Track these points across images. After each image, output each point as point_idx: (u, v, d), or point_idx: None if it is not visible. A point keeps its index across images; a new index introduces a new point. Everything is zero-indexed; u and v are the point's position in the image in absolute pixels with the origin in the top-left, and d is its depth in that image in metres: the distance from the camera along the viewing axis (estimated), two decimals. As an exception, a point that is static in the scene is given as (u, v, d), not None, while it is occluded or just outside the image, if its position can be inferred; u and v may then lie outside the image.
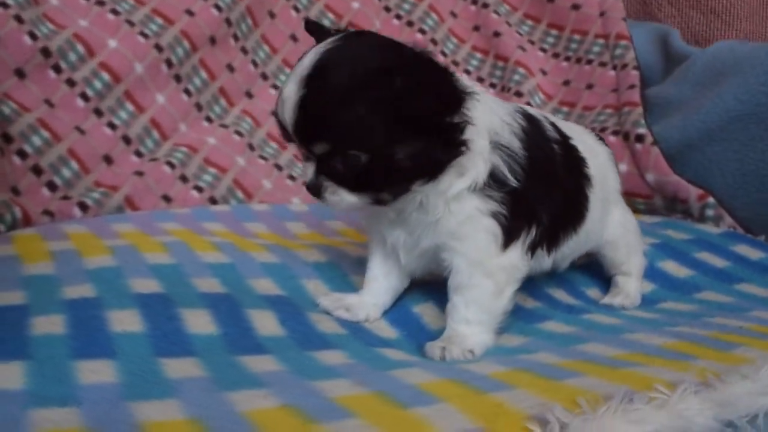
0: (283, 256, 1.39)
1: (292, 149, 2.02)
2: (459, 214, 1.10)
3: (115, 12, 1.80)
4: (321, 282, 1.32)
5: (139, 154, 1.77)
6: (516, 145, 1.12)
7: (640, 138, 1.88)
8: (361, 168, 1.01)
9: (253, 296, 1.19)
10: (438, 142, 1.04)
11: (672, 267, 1.56)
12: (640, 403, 0.81)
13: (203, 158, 1.84)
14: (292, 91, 1.00)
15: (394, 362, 1.03)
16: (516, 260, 1.16)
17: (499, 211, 1.11)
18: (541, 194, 1.17)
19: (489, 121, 1.10)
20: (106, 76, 1.73)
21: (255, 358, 0.99)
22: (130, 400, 0.82)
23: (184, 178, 1.78)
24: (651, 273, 1.52)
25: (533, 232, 1.17)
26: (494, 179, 1.10)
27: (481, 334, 1.14)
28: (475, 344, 1.11)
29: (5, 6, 1.62)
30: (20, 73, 1.62)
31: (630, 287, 1.43)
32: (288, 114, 1.01)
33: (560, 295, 1.42)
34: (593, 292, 1.47)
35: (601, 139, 1.48)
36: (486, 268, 1.12)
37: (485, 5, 2.32)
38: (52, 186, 1.60)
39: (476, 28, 2.33)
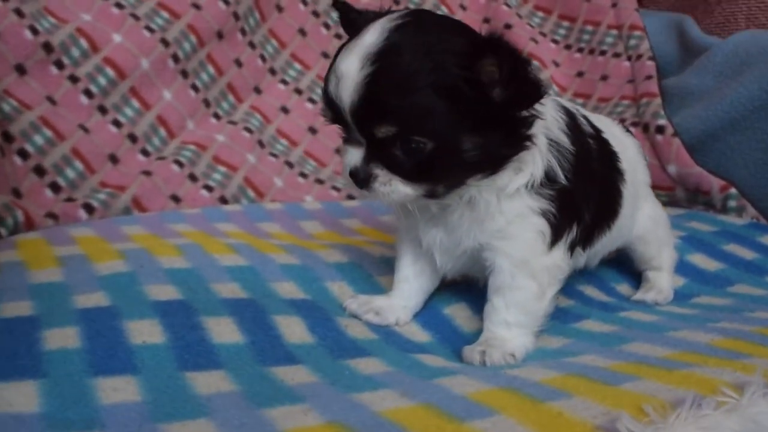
0: (302, 257, 1.33)
1: (306, 144, 1.96)
2: (509, 212, 1.05)
3: (119, 5, 1.74)
4: (345, 284, 1.26)
5: (145, 152, 1.71)
6: (564, 141, 1.07)
7: (660, 129, 1.83)
8: (423, 157, 0.94)
9: (278, 301, 1.13)
10: (506, 135, 0.99)
11: (701, 260, 1.51)
12: (708, 409, 0.77)
13: (212, 156, 1.78)
14: (353, 67, 0.92)
15: (435, 369, 0.97)
16: (560, 260, 1.11)
17: (549, 209, 1.06)
18: (584, 192, 1.12)
19: (545, 116, 1.05)
20: (110, 71, 1.67)
21: (287, 368, 0.94)
22: (159, 422, 0.76)
23: (193, 177, 1.72)
24: (681, 267, 1.47)
25: (575, 230, 1.12)
26: (547, 176, 1.05)
27: (521, 337, 1.08)
28: (515, 348, 1.06)
29: (4, 0, 1.55)
30: (21, 69, 1.55)
31: (662, 282, 1.38)
32: (346, 92, 0.93)
33: (592, 292, 1.37)
34: (624, 288, 1.42)
35: (628, 131, 1.43)
36: (531, 268, 1.07)
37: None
38: (55, 187, 1.53)
39: (486, 21, 2.28)
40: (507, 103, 0.94)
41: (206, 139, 1.79)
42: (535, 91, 0.94)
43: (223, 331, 1.00)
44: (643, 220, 1.35)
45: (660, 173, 1.83)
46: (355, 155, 0.98)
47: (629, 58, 2.05)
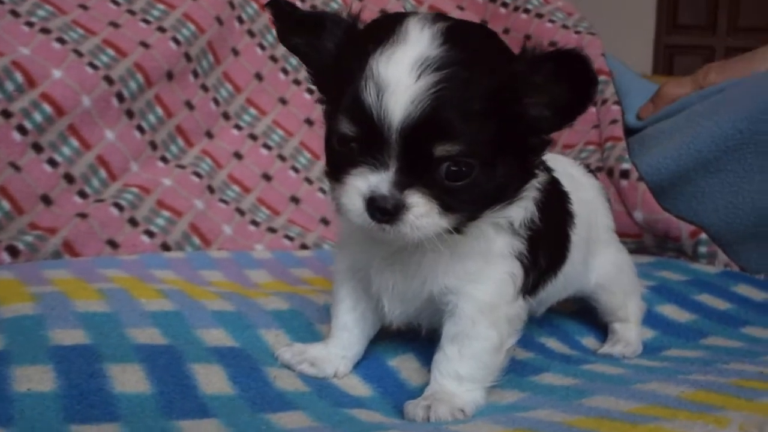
0: (239, 304, 1.22)
1: (259, 191, 1.86)
2: (487, 252, 0.95)
3: (61, 41, 1.65)
4: (283, 332, 1.15)
5: (83, 194, 1.60)
6: None
7: (625, 174, 1.76)
8: (467, 181, 0.84)
9: (200, 348, 1.02)
10: (523, 161, 0.91)
11: (672, 311, 1.41)
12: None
13: (156, 200, 1.67)
14: (406, 76, 0.80)
15: (369, 426, 0.86)
16: (521, 310, 1.02)
17: (523, 252, 0.98)
18: (543, 235, 1.02)
19: None
20: (48, 108, 1.57)
21: (195, 422, 0.83)
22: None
23: (133, 222, 1.60)
24: (650, 318, 1.37)
25: (531, 276, 1.03)
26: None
27: (472, 392, 0.97)
28: (465, 403, 0.95)
29: (-66, 30, 1.47)
30: (-53, 103, 1.45)
31: (630, 334, 1.27)
32: (398, 104, 0.79)
33: (553, 344, 1.26)
34: (589, 341, 1.32)
35: (591, 172, 1.34)
36: (495, 316, 0.97)
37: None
38: (-22, 228, 1.41)
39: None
40: (538, 125, 0.87)
41: (151, 182, 1.69)
42: (574, 112, 0.87)
43: (128, 379, 0.89)
44: (605, 268, 1.24)
45: (626, 219, 1.74)
46: (378, 180, 0.83)
47: (595, 104, 1.99)
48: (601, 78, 1.99)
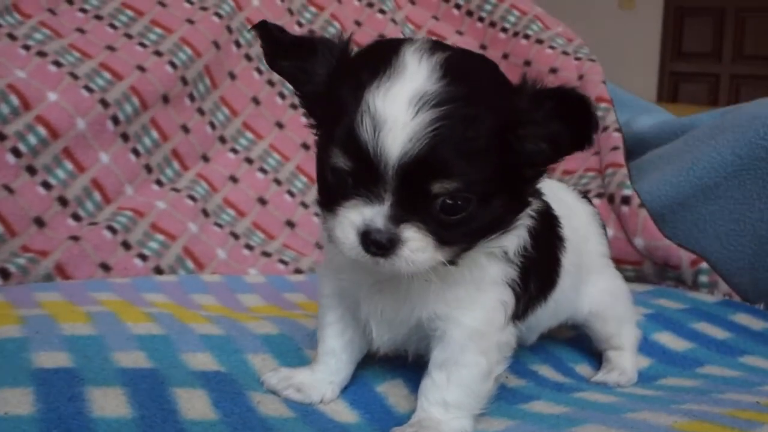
0: (228, 328, 1.20)
1: (254, 215, 1.85)
2: (479, 280, 0.94)
3: (57, 64, 1.66)
4: (270, 357, 1.13)
5: (77, 217, 1.59)
6: None
7: (626, 200, 1.74)
8: (464, 215, 0.83)
9: (184, 372, 1.00)
10: (517, 191, 0.90)
11: (668, 339, 1.39)
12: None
13: (150, 224, 1.66)
14: (404, 112, 0.77)
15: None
16: (511, 337, 1.00)
17: (515, 279, 0.97)
18: (534, 261, 1.01)
19: None
20: (42, 130, 1.57)
21: (173, 447, 0.80)
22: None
23: (126, 245, 1.59)
24: (646, 347, 1.35)
25: (521, 302, 1.01)
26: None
27: (459, 420, 0.95)
28: (452, 431, 0.93)
29: (-72, 51, 1.47)
30: (-59, 126, 1.45)
31: (625, 363, 1.25)
32: (395, 141, 0.77)
33: (546, 371, 1.23)
34: (583, 369, 1.29)
35: (585, 197, 1.33)
36: (484, 343, 0.96)
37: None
38: (-30, 250, 1.41)
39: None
40: (529, 158, 0.86)
41: (145, 205, 1.68)
42: (572, 149, 0.86)
43: (109, 403, 0.87)
44: (598, 295, 1.22)
45: (626, 247, 1.73)
46: (373, 214, 0.81)
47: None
48: (603, 105, 1.99)
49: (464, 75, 0.82)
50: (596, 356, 1.31)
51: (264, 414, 0.94)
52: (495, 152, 0.82)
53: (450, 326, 0.95)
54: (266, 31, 0.91)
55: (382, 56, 0.83)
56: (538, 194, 1.00)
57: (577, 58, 2.17)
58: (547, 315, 1.14)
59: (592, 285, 1.22)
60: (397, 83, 0.79)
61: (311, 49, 0.90)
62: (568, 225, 1.14)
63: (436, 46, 0.85)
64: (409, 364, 1.08)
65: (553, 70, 2.15)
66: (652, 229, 1.69)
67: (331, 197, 0.86)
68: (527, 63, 2.20)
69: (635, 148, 1.97)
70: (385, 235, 0.81)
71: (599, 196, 1.80)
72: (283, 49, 0.91)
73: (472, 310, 0.95)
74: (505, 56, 2.26)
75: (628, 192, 1.74)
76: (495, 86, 0.86)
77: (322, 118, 0.91)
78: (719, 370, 1.30)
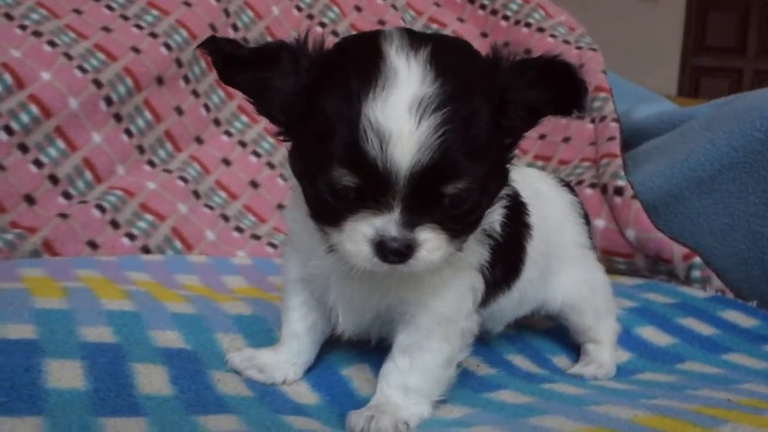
0: (202, 307, 1.20)
1: (246, 198, 1.85)
2: (456, 263, 0.92)
3: (52, 44, 1.67)
4: (240, 336, 1.13)
5: (67, 195, 1.61)
6: None
7: (619, 191, 1.71)
8: (469, 205, 0.83)
9: (148, 349, 1.01)
10: (498, 168, 0.89)
11: (651, 334, 1.37)
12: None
13: (139, 204, 1.67)
14: (407, 122, 0.76)
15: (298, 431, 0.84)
16: (474, 324, 1.00)
17: (486, 264, 0.97)
18: (501, 244, 1.00)
19: None
20: (35, 109, 1.58)
21: (122, 420, 0.81)
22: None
23: (115, 224, 1.61)
24: (627, 340, 1.33)
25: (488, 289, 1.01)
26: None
27: (418, 405, 0.95)
28: (410, 416, 0.93)
29: (-77, 29, 1.49)
30: (-67, 101, 1.47)
31: (602, 356, 1.23)
32: (404, 153, 0.76)
33: (521, 362, 1.22)
34: (561, 360, 1.28)
35: (567, 186, 1.31)
36: (451, 329, 0.96)
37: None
38: (-43, 225, 1.43)
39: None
40: (512, 129, 0.86)
41: (135, 185, 1.69)
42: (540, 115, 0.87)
43: (65, 375, 0.88)
44: (573, 286, 1.21)
45: (618, 238, 1.70)
46: (385, 223, 0.80)
47: (593, 121, 1.96)
48: (601, 95, 1.96)
49: (453, 69, 0.81)
50: (576, 348, 1.30)
51: (222, 392, 0.94)
52: (492, 140, 0.82)
53: (419, 311, 0.95)
54: (215, 46, 0.87)
55: (367, 60, 0.80)
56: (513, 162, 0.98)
57: (578, 48, 2.15)
58: (511, 304, 1.12)
59: (566, 275, 1.20)
60: (393, 91, 0.77)
61: (271, 58, 0.86)
62: (539, 213, 1.13)
63: (414, 39, 0.83)
64: (376, 349, 1.08)
65: (528, 51, 2.13)
66: (644, 221, 1.66)
67: (331, 212, 0.84)
68: (527, 51, 2.17)
69: (633, 138, 1.94)
70: (401, 242, 0.80)
71: (592, 186, 1.78)
72: (237, 63, 0.87)
73: (443, 296, 0.94)
74: (506, 44, 2.24)
75: (621, 183, 1.72)
76: (479, 71, 0.85)
77: (298, 128, 0.87)
78: (699, 367, 1.27)
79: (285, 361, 1.03)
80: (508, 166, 0.92)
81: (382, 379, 0.97)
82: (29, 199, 1.54)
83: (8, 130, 1.55)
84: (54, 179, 1.59)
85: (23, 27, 1.67)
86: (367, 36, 0.88)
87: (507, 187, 0.96)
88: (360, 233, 0.81)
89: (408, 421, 0.91)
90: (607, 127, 1.89)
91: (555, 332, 1.34)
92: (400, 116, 0.76)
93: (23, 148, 1.57)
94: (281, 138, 0.91)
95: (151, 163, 1.77)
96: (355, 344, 1.11)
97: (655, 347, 1.33)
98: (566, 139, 1.99)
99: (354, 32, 1.84)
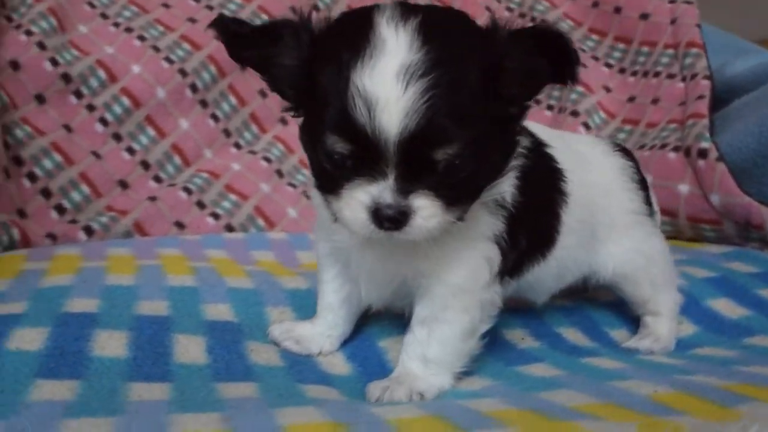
0: (261, 282, 1.28)
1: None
2: (468, 233, 0.94)
3: (142, 38, 1.80)
4: (289, 309, 1.19)
5: (158, 179, 1.74)
6: None
7: (702, 153, 1.61)
8: (465, 173, 0.83)
9: (195, 321, 1.08)
10: (504, 136, 0.90)
11: (724, 306, 1.29)
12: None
13: (224, 184, 1.78)
14: (394, 88, 0.77)
15: (309, 400, 0.89)
16: (495, 295, 1.00)
17: (501, 233, 0.96)
18: (524, 213, 0.99)
19: None
20: (126, 100, 1.72)
21: (149, 385, 0.89)
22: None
23: (201, 204, 1.72)
24: (696, 312, 1.27)
25: (509, 259, 1.00)
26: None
27: (437, 376, 0.97)
28: (427, 387, 0.95)
29: (29, 33, 1.65)
30: (40, 99, 1.63)
31: (661, 329, 1.19)
32: (392, 119, 0.77)
33: (572, 334, 1.20)
34: (619, 334, 1.24)
35: (623, 150, 1.25)
36: (468, 300, 0.96)
37: (543, 22, 2.14)
38: (60, 209, 1.58)
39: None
40: (512, 98, 0.87)
41: (221, 167, 1.80)
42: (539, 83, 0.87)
43: (111, 345, 0.97)
44: (624, 255, 1.17)
45: (703, 204, 1.60)
46: (380, 190, 0.82)
47: (683, 79, 1.85)
48: (693, 51, 1.85)
49: (441, 36, 0.82)
50: (637, 321, 1.26)
51: (252, 362, 1.00)
52: (484, 104, 0.83)
53: (433, 283, 0.96)
54: (223, 25, 0.90)
55: (358, 31, 0.82)
56: (525, 132, 0.99)
57: (672, 1, 2.02)
58: (549, 274, 1.11)
59: (616, 244, 1.17)
60: (380, 59, 0.79)
61: (275, 35, 0.89)
62: (580, 179, 1.10)
63: (406, 9, 0.84)
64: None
65: (644, 16, 2.03)
66: (730, 184, 1.56)
67: (331, 181, 0.86)
68: (617, 9, 2.08)
69: (728, 95, 1.80)
70: (395, 208, 0.82)
71: (676, 150, 1.68)
72: (244, 41, 0.90)
73: (456, 267, 0.95)
74: (595, 4, 2.15)
75: (705, 144, 1.62)
76: (471, 38, 0.86)
77: (303, 102, 0.90)
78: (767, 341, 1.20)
79: (320, 333, 1.08)
80: (516, 137, 0.93)
81: (403, 350, 0.99)
82: (123, 184, 1.68)
83: (103, 122, 1.69)
84: (145, 165, 1.73)
85: (117, 24, 1.81)
86: (362, 10, 0.89)
87: (519, 157, 0.96)
88: (356, 200, 0.83)
89: (424, 392, 0.93)
90: (698, 84, 1.78)
91: (617, 305, 1.30)
92: (387, 83, 0.77)
93: (117, 137, 1.71)
94: (291, 113, 0.93)
95: (237, 146, 1.86)
96: (396, 316, 1.14)
97: (725, 320, 1.26)
98: (655, 101, 1.89)
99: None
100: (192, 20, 1.87)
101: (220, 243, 1.60)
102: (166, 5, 1.89)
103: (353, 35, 0.82)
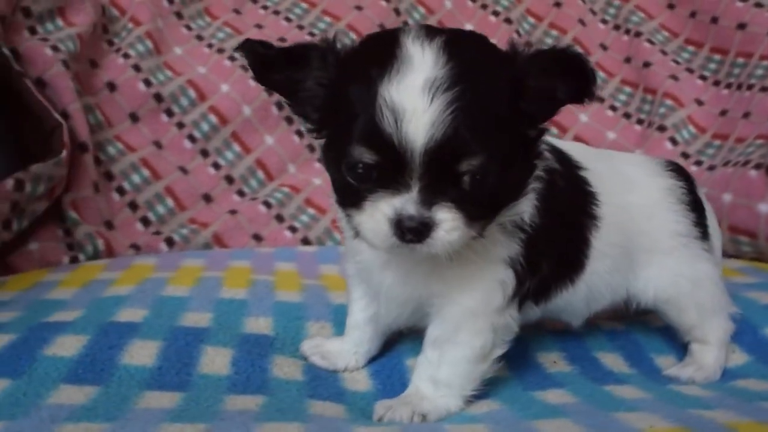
0: (310, 296, 1.33)
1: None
2: (485, 255, 0.94)
3: (232, 59, 1.90)
4: (330, 325, 1.23)
5: (241, 193, 1.83)
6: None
7: (778, 172, 1.50)
8: (488, 187, 0.85)
9: (230, 334, 1.14)
10: (524, 156, 0.91)
11: (785, 336, 1.20)
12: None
13: (304, 199, 1.84)
14: (420, 100, 0.80)
15: (312, 416, 0.91)
16: (512, 320, 0.99)
17: (517, 257, 0.96)
18: (546, 237, 0.98)
19: None
20: (213, 118, 1.83)
21: (162, 393, 0.95)
22: None
23: (279, 218, 1.79)
24: (752, 341, 1.19)
25: (529, 283, 0.99)
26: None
27: (446, 398, 0.97)
28: (432, 409, 0.95)
29: (126, 56, 1.79)
30: (134, 117, 1.77)
31: (706, 358, 1.12)
32: (419, 130, 0.80)
33: (609, 359, 1.16)
34: (665, 360, 1.18)
35: (676, 170, 1.18)
36: (480, 323, 0.96)
37: (638, 34, 2.06)
38: (145, 221, 1.71)
39: (627, 60, 2.08)
40: (531, 118, 0.88)
41: (302, 182, 1.87)
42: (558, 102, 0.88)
43: (141, 354, 1.04)
44: (668, 279, 1.11)
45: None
46: (403, 202, 0.83)
47: (773, 92, 1.72)
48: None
49: (465, 54, 0.84)
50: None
51: (273, 375, 1.04)
52: (507, 121, 0.85)
53: (446, 304, 0.96)
54: (251, 48, 0.92)
55: (385, 50, 0.85)
56: (554, 154, 1.00)
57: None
58: (579, 298, 1.08)
59: (658, 267, 1.11)
60: (407, 74, 0.81)
61: (303, 57, 0.91)
62: (618, 202, 1.06)
63: (431, 30, 0.87)
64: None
65: (741, 26, 1.89)
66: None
67: (354, 194, 0.87)
68: (714, 20, 1.96)
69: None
70: (418, 220, 0.83)
71: (758, 167, 1.57)
72: (271, 64, 0.92)
73: (469, 289, 0.95)
74: (693, 14, 2.04)
75: (785, 162, 1.50)
76: (493, 59, 0.88)
77: (328, 121, 0.91)
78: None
79: (348, 350, 1.11)
80: (534, 158, 0.92)
81: (415, 370, 1.00)
82: (207, 198, 1.79)
83: (192, 138, 1.81)
84: (230, 179, 1.83)
85: (210, 46, 1.93)
86: (388, 31, 0.93)
87: (538, 180, 0.95)
88: (380, 212, 0.84)
89: (427, 413, 0.94)
90: (789, 98, 1.65)
91: (668, 330, 1.23)
92: (414, 96, 0.80)
93: (204, 153, 1.82)
94: (314, 135, 0.96)
95: (320, 160, 1.92)
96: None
97: (782, 350, 1.17)
98: (746, 115, 1.76)
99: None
100: (282, 39, 1.95)
101: (292, 256, 1.66)
102: (259, 26, 1.99)
103: (380, 53, 0.85)
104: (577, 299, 1.08)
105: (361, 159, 0.83)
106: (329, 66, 0.90)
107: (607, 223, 1.06)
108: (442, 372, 0.97)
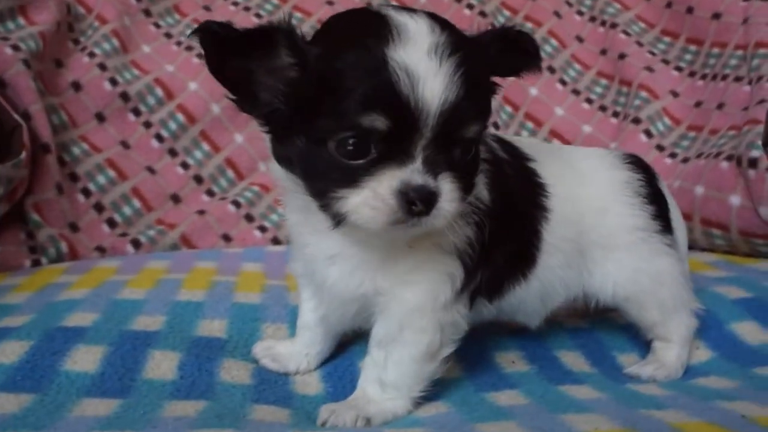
0: (269, 297, 1.30)
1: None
2: (435, 246, 0.91)
3: (201, 56, 1.87)
4: (286, 326, 1.20)
5: (210, 193, 1.80)
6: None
7: (752, 163, 1.46)
8: (473, 155, 0.86)
9: (181, 337, 1.11)
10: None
11: (749, 330, 1.17)
12: None
13: (274, 198, 1.81)
14: (431, 62, 0.78)
15: (242, 422, 0.89)
16: (460, 317, 0.96)
17: (470, 245, 0.93)
18: (497, 225, 0.94)
19: None
20: (181, 117, 1.80)
21: (99, 400, 0.93)
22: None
23: (249, 218, 1.77)
24: (717, 337, 1.17)
25: (479, 276, 0.96)
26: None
27: (393, 401, 0.94)
28: (378, 412, 0.93)
29: (92, 55, 1.77)
30: (100, 117, 1.75)
31: (668, 356, 1.10)
32: (434, 91, 0.77)
33: (570, 358, 1.14)
34: (628, 359, 1.16)
35: (634, 163, 1.15)
36: (426, 321, 0.93)
37: (614, 25, 2.03)
38: (111, 223, 1.68)
39: (603, 52, 2.05)
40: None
41: (273, 181, 1.84)
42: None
43: (84, 359, 1.01)
44: (627, 276, 1.08)
45: (753, 217, 1.46)
46: (408, 174, 0.80)
47: (750, 82, 1.68)
48: (761, 51, 1.69)
49: (450, 26, 0.84)
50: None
51: (220, 379, 1.02)
52: (488, 91, 0.88)
53: (391, 302, 0.93)
54: (210, 29, 0.82)
55: (371, 23, 0.82)
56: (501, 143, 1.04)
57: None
58: (532, 295, 1.05)
59: (616, 263, 1.08)
60: (410, 40, 0.79)
61: (267, 39, 0.83)
62: (567, 194, 1.04)
63: (405, 7, 0.88)
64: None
65: (716, 15, 1.86)
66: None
67: (345, 175, 0.81)
68: (689, 10, 1.92)
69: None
70: (426, 190, 0.80)
71: (729, 158, 1.54)
72: (231, 47, 0.83)
73: (414, 284, 0.92)
74: (669, 5, 2.00)
75: (756, 153, 1.47)
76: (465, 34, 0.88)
77: (302, 106, 0.82)
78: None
79: (299, 352, 1.08)
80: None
81: (362, 373, 0.97)
82: (175, 198, 1.76)
83: (159, 138, 1.78)
84: (199, 179, 1.80)
85: (179, 43, 1.90)
86: (356, 10, 0.93)
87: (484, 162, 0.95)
88: (384, 186, 0.80)
89: (372, 417, 0.91)
90: (762, 88, 1.61)
91: (632, 328, 1.20)
92: (424, 59, 0.78)
93: (172, 152, 1.79)
94: (268, 131, 0.89)
95: (291, 159, 1.90)
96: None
97: (745, 346, 1.15)
98: (720, 106, 1.73)
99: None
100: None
101: (260, 256, 1.63)
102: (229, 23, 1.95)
103: (368, 25, 0.83)
104: (530, 296, 1.05)
105: (372, 126, 0.78)
106: (299, 46, 0.82)
107: (557, 217, 1.03)
108: (389, 373, 0.94)
